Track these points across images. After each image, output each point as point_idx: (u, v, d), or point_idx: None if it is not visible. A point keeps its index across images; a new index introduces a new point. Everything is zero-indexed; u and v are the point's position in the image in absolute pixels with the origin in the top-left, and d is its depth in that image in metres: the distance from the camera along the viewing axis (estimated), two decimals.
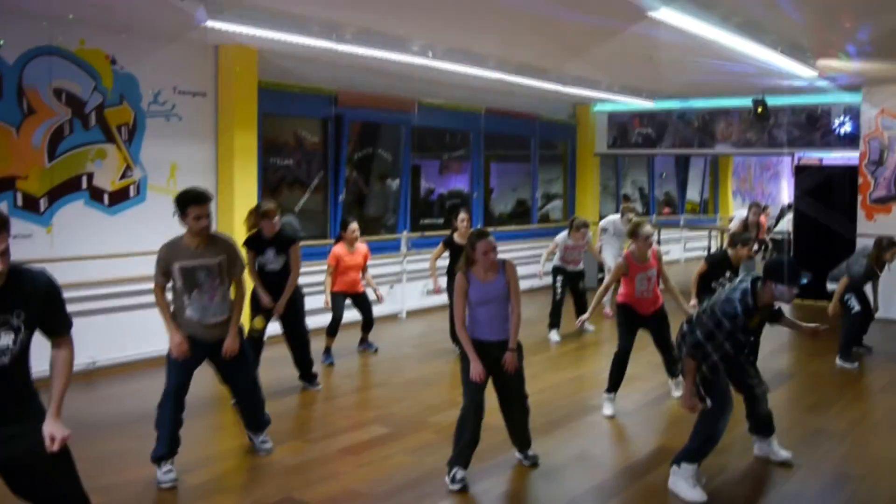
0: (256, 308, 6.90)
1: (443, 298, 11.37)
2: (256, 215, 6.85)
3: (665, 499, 4.93)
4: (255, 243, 6.84)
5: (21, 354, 3.10)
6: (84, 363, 7.37)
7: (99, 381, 7.39)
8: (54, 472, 3.18)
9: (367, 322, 8.64)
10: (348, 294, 8.32)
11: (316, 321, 8.28)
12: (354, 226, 8.28)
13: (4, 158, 7.04)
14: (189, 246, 5.04)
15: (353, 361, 8.47)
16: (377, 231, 11.28)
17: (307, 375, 7.27)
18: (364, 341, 8.84)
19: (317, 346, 7.70)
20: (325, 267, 8.34)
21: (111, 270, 7.72)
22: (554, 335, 9.57)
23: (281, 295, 6.78)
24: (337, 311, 8.20)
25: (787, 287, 4.77)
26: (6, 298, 3.02)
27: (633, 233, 6.60)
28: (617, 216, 11.20)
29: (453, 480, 4.95)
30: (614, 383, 6.63)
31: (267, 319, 6.90)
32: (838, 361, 8.44)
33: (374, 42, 8.14)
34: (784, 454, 5.49)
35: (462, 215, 8.75)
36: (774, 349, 8.88)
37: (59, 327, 3.26)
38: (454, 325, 5.62)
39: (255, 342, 6.77)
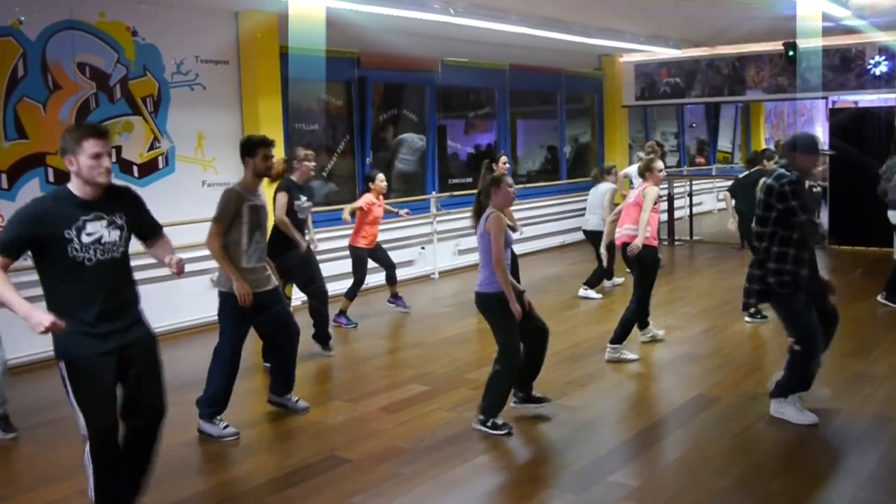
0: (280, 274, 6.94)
1: (474, 257, 11.41)
2: (291, 160, 6.94)
3: (701, 448, 4.92)
4: (293, 188, 6.87)
5: (126, 254, 3.69)
6: None
7: None
8: (152, 374, 3.78)
9: (390, 271, 8.54)
10: (369, 250, 8.28)
11: (335, 287, 8.33)
12: (382, 176, 8.33)
13: (34, 135, 7.10)
14: (251, 186, 5.36)
15: (386, 323, 8.51)
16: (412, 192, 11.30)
17: (325, 338, 7.20)
18: (395, 296, 8.75)
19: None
20: (341, 233, 8.35)
21: None
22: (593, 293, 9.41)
23: (293, 248, 6.84)
24: (361, 272, 8.18)
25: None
26: (110, 204, 3.62)
27: (649, 168, 6.96)
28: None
29: (503, 427, 5.10)
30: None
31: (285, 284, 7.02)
32: (879, 298, 8.51)
33: (394, 0, 8.04)
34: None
35: (504, 158, 8.61)
36: None
37: (153, 229, 3.89)
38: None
39: None
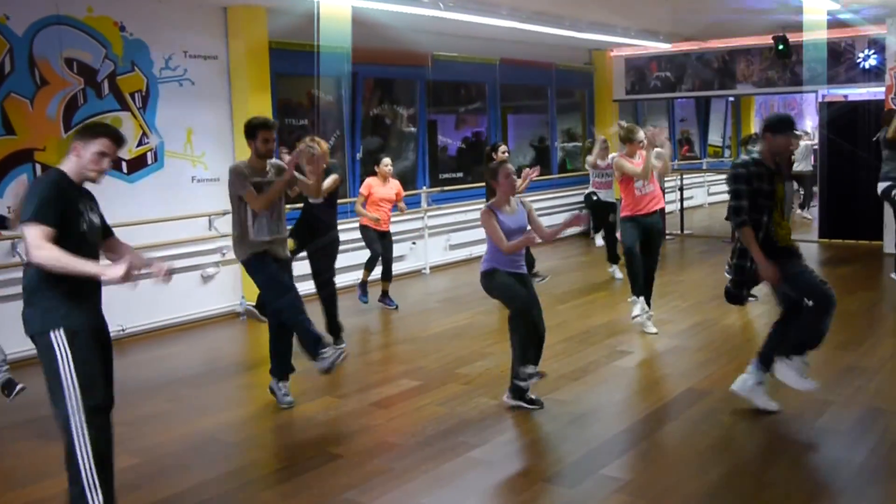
0: (295, 236, 6.97)
1: (465, 252, 11.42)
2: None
3: (692, 441, 4.93)
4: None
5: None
6: (113, 331, 7.42)
7: (129, 348, 7.46)
8: (111, 360, 3.82)
9: (387, 268, 8.55)
10: (376, 231, 8.36)
11: (344, 278, 8.36)
12: (387, 160, 8.51)
13: (21, 131, 7.05)
14: (256, 167, 5.54)
15: (378, 318, 8.49)
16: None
17: (335, 331, 7.10)
18: (385, 295, 8.73)
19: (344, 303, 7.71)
20: (347, 226, 8.36)
21: (133, 238, 7.72)
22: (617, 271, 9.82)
23: (322, 234, 6.96)
24: (374, 244, 8.34)
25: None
26: (86, 196, 3.70)
27: (628, 138, 7.24)
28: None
29: (530, 377, 5.25)
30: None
31: (298, 249, 7.01)
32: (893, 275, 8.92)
33: None
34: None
35: (503, 147, 8.89)
36: None
37: (109, 228, 3.90)
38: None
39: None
